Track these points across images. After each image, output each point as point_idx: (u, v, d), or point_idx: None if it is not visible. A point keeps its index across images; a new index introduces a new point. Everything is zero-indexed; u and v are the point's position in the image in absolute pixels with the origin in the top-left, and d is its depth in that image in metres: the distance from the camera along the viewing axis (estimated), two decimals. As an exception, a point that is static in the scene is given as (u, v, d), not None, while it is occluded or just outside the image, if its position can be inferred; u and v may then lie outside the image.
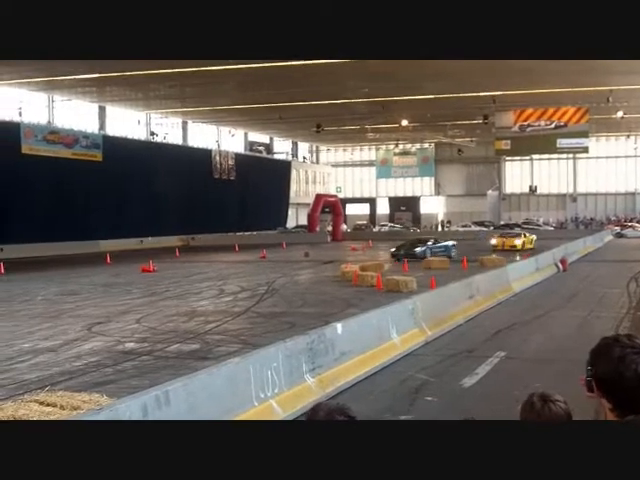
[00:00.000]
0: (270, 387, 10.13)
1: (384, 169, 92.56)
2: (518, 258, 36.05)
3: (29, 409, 7.37)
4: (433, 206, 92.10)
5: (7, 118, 49.14)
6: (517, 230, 63.11)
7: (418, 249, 39.95)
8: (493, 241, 49.30)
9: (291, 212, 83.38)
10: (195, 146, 68.26)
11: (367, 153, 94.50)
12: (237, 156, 72.20)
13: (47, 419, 5.81)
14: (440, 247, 41.16)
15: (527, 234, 52.26)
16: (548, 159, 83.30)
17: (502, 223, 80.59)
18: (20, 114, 50.94)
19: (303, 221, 79.46)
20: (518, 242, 48.37)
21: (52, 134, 52.27)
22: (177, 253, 50.50)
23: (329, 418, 2.99)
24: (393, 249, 41.24)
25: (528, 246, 48.05)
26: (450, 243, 42.45)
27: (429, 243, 41.48)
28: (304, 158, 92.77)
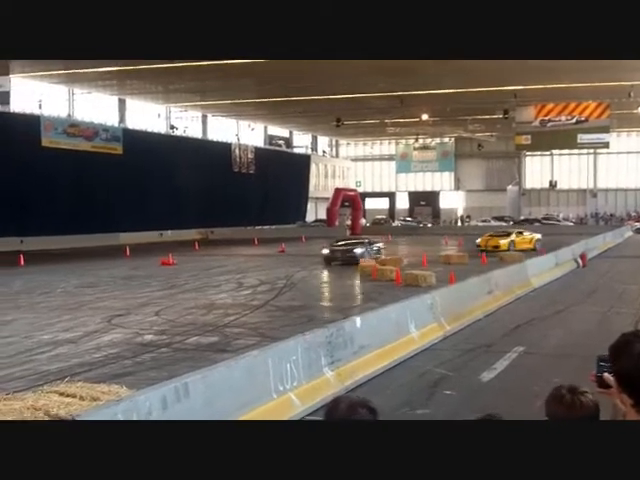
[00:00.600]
0: (289, 380, 10.15)
1: (404, 163, 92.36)
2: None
3: (49, 399, 7.42)
4: (453, 201, 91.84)
5: (27, 111, 49.40)
6: (536, 224, 60.22)
7: (358, 250, 35.17)
8: (478, 240, 44.32)
9: (310, 206, 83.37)
10: (215, 140, 68.36)
11: (387, 147, 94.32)
12: (257, 150, 72.24)
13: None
14: (375, 249, 36.59)
15: (527, 233, 46.14)
16: (568, 154, 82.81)
17: (522, 218, 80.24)
18: (40, 107, 51.18)
19: (322, 215, 79.42)
20: (503, 242, 42.61)
21: (72, 127, 52.51)
22: (196, 246, 50.63)
23: (351, 411, 2.99)
24: (325, 250, 35.92)
25: (524, 246, 42.26)
26: (380, 245, 37.68)
27: (366, 243, 36.86)
28: (324, 152, 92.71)
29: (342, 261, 34.13)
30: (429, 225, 78.52)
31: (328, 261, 34.97)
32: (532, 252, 38.59)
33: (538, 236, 45.04)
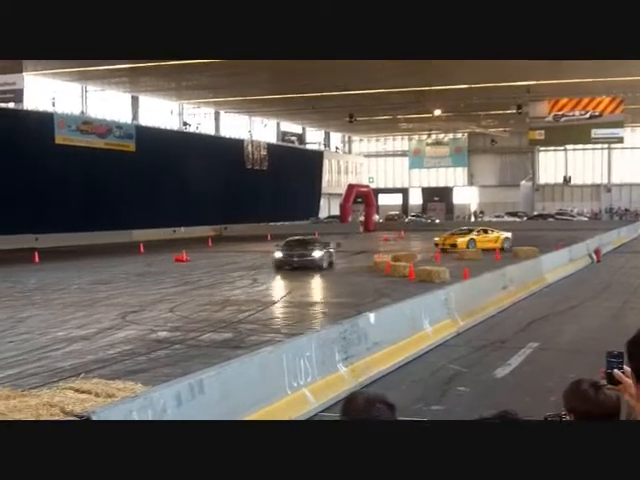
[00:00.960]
0: (303, 376, 10.15)
1: (417, 159, 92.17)
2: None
3: (65, 396, 7.45)
4: (466, 196, 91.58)
5: (41, 108, 49.57)
6: (550, 220, 57.52)
7: (317, 253, 30.32)
8: (436, 238, 41.30)
9: (323, 202, 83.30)
10: (227, 136, 68.41)
11: (400, 143, 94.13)
12: (269, 146, 72.25)
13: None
14: (327, 251, 31.51)
15: (494, 232, 41.88)
16: (582, 149, 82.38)
17: (535, 214, 79.93)
18: (53, 104, 51.35)
19: (335, 211, 79.41)
20: (460, 240, 39.41)
21: (85, 124, 52.65)
22: (210, 243, 50.73)
23: (368, 406, 2.99)
24: (278, 253, 30.78)
25: (488, 245, 38.93)
26: (332, 248, 32.53)
27: (321, 244, 32.12)
28: (336, 148, 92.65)
29: (299, 265, 29.67)
30: (437, 221, 78.12)
31: (280, 266, 30.03)
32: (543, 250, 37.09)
33: (507, 235, 40.94)
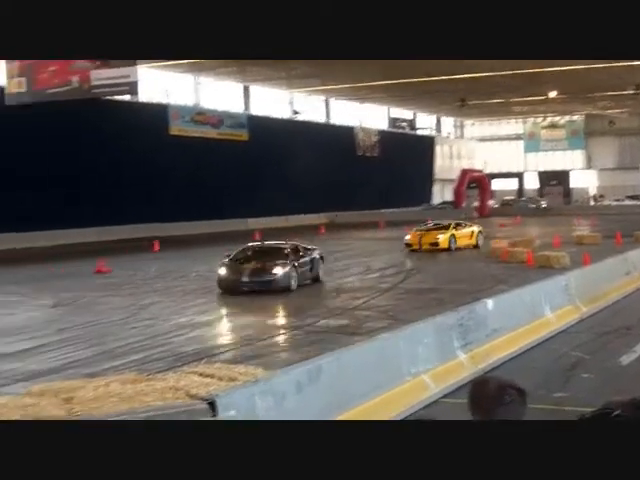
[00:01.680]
0: (421, 362, 10.08)
1: (532, 143, 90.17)
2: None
3: (189, 380, 7.61)
4: (584, 180, 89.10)
5: (155, 100, 50.85)
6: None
7: (279, 271, 20.88)
8: (407, 237, 33.79)
9: (436, 188, 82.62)
10: (337, 124, 68.59)
11: (514, 127, 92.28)
12: (380, 133, 72.08)
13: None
14: (304, 263, 22.13)
15: (466, 226, 34.90)
16: None
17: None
18: (167, 96, 52.57)
19: (448, 197, 78.59)
20: (441, 238, 32.68)
21: (199, 115, 53.85)
22: (322, 230, 51.02)
23: (500, 392, 2.94)
24: (222, 270, 21.27)
25: (465, 242, 33.38)
26: (315, 254, 23.02)
27: (291, 256, 21.70)
28: (448, 133, 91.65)
29: (251, 289, 20.41)
30: (543, 205, 75.41)
31: (226, 288, 20.81)
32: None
33: (479, 229, 34.88)
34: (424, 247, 32.24)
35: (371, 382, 9.02)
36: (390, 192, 69.56)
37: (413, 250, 32.34)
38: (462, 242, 33.10)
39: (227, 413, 6.64)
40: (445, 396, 9.80)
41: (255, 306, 18.75)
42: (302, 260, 21.86)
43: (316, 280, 22.53)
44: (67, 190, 42.69)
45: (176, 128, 51.10)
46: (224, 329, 15.88)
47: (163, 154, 47.96)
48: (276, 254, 21.70)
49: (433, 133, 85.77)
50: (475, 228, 34.58)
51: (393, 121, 79.25)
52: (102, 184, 45.17)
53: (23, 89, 33.82)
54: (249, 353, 13.23)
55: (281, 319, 17.89)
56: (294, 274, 21.02)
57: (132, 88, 32.14)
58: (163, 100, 51.84)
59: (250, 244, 23.83)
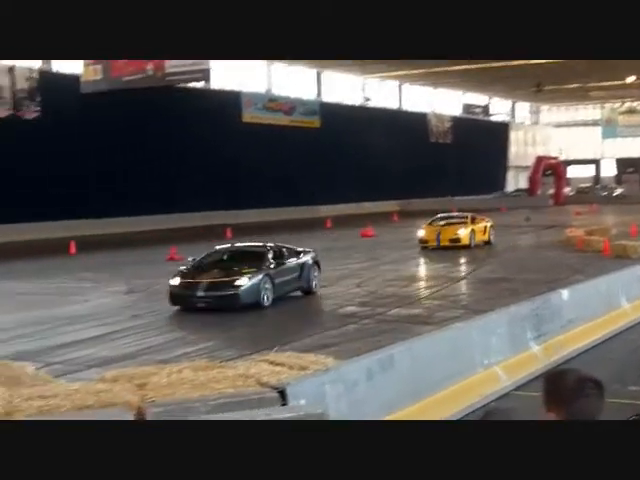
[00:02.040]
0: (494, 353, 9.96)
1: (609, 129, 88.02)
2: None
3: (260, 368, 7.64)
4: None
5: (227, 88, 51.17)
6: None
7: (243, 282, 16.51)
8: (420, 233, 30.19)
9: (510, 175, 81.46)
10: (410, 110, 68.13)
11: (591, 112, 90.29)
12: (453, 119, 71.37)
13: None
14: (288, 270, 17.88)
15: (476, 218, 30.97)
16: None
17: None
18: (240, 84, 52.84)
19: (523, 185, 77.43)
20: (462, 234, 29.24)
21: (271, 102, 54.05)
22: (395, 217, 50.79)
23: (579, 384, 2.89)
24: (174, 280, 17.04)
25: (480, 238, 30.01)
26: (306, 259, 18.59)
27: (268, 262, 17.35)
28: (523, 119, 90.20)
29: (207, 306, 16.46)
30: (615, 193, 73.40)
31: (180, 304, 16.82)
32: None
33: (490, 223, 31.20)
34: (443, 244, 28.73)
35: (442, 372, 8.96)
36: (463, 179, 68.90)
37: (428, 248, 28.59)
38: (478, 238, 29.95)
39: (297, 402, 6.65)
40: (516, 388, 9.66)
41: (321, 294, 18.75)
42: (284, 267, 17.56)
43: (308, 292, 18.39)
44: (140, 177, 43.34)
45: (249, 115, 51.44)
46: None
47: (235, 141, 48.36)
48: (249, 259, 17.46)
49: (507, 119, 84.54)
50: (487, 223, 30.97)
51: (467, 107, 78.34)
52: (174, 171, 45.76)
53: (99, 77, 34.53)
54: (322, 341, 13.24)
55: (353, 307, 17.82)
56: (267, 285, 16.60)
57: (205, 75, 32.52)
58: (236, 87, 52.17)
59: (219, 247, 19.15)
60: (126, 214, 41.40)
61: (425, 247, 28.83)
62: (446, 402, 8.52)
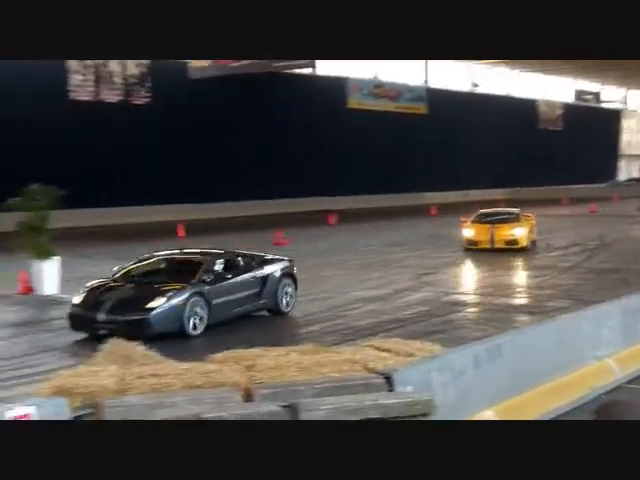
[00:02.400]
0: (606, 346, 9.68)
1: None
2: None
3: (366, 353, 7.65)
4: None
5: (333, 74, 51.22)
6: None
7: (158, 304, 12.42)
8: (468, 233, 25.12)
9: (621, 164, 79.04)
10: (518, 96, 66.80)
11: None
12: (564, 106, 69.67)
13: (360, 372, 6.08)
14: (238, 286, 13.75)
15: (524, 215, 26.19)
16: None
17: None
18: (346, 70, 52.85)
19: (634, 174, 75.04)
20: (517, 233, 24.70)
21: (377, 88, 53.87)
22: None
23: None
24: (77, 299, 12.98)
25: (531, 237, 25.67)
26: (272, 270, 14.44)
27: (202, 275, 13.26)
28: (636, 107, 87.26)
29: (110, 332, 11.08)
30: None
31: (81, 328, 12.83)
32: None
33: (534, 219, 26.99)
34: (497, 246, 24.24)
35: (550, 363, 8.78)
36: (574, 168, 67.21)
37: (480, 249, 24.27)
38: (530, 237, 25.51)
39: (403, 388, 6.62)
40: (629, 382, 9.39)
41: (426, 281, 18.60)
42: (232, 281, 13.59)
43: (276, 312, 14.41)
44: (242, 163, 43.76)
45: (354, 101, 51.41)
46: (399, 303, 15.84)
47: (341, 127, 48.46)
48: (182, 272, 13.49)
49: (620, 106, 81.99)
50: (532, 220, 26.60)
51: (579, 93, 76.31)
52: (277, 157, 46.06)
53: (207, 63, 35.16)
54: (428, 329, 13.16)
55: (458, 295, 17.61)
56: (198, 308, 12.72)
57: (311, 62, 32.66)
58: (341, 73, 52.23)
59: (157, 252, 15.01)
60: (228, 199, 41.97)
61: (471, 249, 24.45)
62: (556, 393, 8.36)
